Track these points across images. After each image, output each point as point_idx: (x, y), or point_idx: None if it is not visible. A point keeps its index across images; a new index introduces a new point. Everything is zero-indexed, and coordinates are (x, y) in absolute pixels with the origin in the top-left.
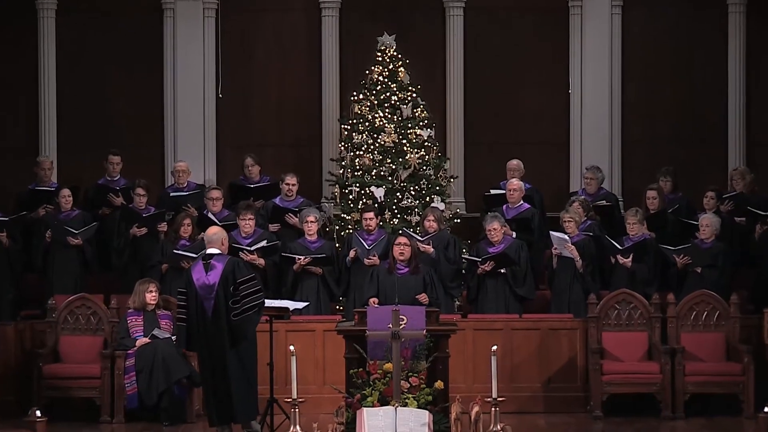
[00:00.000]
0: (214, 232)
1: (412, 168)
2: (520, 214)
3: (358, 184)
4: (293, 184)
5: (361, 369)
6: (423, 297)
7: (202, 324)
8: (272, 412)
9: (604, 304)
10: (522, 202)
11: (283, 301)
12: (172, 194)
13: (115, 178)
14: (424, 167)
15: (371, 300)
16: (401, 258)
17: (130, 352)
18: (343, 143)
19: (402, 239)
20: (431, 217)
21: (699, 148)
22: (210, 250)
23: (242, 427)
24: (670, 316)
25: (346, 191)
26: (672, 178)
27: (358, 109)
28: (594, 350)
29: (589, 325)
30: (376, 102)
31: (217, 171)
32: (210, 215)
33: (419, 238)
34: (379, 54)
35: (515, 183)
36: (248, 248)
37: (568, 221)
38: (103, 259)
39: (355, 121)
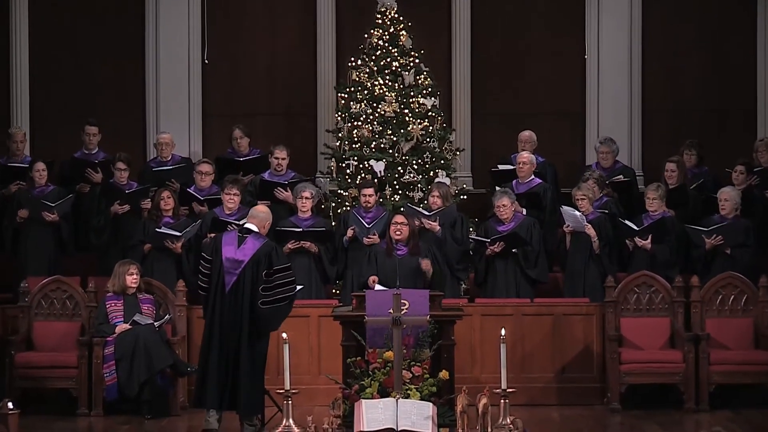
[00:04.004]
0: (262, 210)
1: (415, 140)
2: (530, 189)
3: (356, 158)
4: (283, 158)
5: (359, 358)
6: (425, 263)
7: (219, 298)
8: (263, 404)
9: (622, 288)
10: (533, 176)
11: None
12: (154, 168)
13: (93, 151)
14: (428, 139)
15: (371, 279)
16: (398, 237)
17: (109, 339)
18: (339, 113)
19: (399, 218)
20: (436, 193)
21: (725, 119)
22: (248, 225)
23: (242, 420)
24: (693, 300)
25: (343, 165)
26: (697, 150)
27: (356, 76)
28: (611, 337)
29: (607, 310)
30: (375, 68)
31: (203, 143)
32: (192, 191)
33: (425, 212)
34: (378, 16)
35: (525, 156)
36: (237, 223)
37: (582, 198)
38: (80, 238)
39: (352, 89)
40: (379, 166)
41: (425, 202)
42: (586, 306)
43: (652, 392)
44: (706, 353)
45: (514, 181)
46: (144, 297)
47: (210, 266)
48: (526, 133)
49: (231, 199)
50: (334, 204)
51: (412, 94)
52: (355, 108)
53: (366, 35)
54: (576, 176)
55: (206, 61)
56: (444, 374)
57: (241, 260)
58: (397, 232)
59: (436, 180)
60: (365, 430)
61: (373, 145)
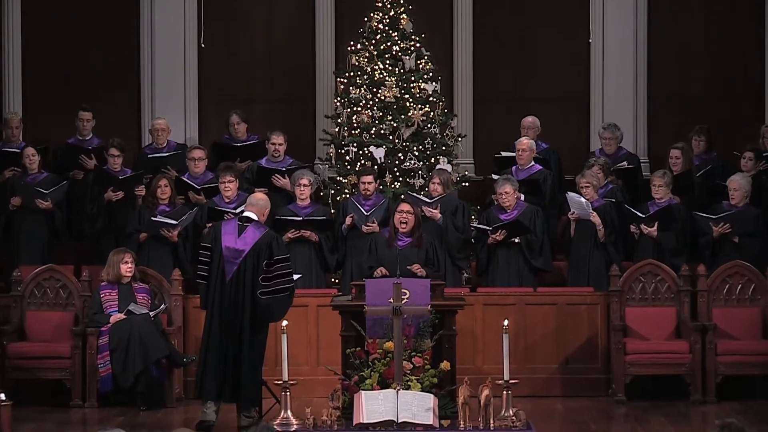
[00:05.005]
0: (261, 198)
1: (416, 126)
2: (530, 176)
3: (355, 144)
4: (280, 144)
5: (359, 348)
6: (416, 268)
7: (219, 288)
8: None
9: (627, 277)
10: (533, 163)
11: None
12: (149, 155)
13: (87, 137)
14: (429, 125)
15: (379, 271)
16: (403, 228)
17: (103, 329)
18: (339, 98)
19: (404, 206)
20: (437, 180)
21: (733, 105)
22: (247, 214)
23: (239, 412)
24: (700, 289)
25: (343, 151)
26: (706, 136)
27: (356, 60)
28: (616, 327)
29: (611, 299)
30: (375, 52)
31: (199, 129)
32: (187, 179)
33: (426, 200)
34: None
35: (525, 142)
36: (233, 212)
37: (586, 186)
38: (73, 226)
39: (352, 73)
40: (378, 153)
41: (426, 189)
42: (590, 295)
43: (658, 383)
44: (713, 343)
45: (513, 168)
46: (139, 286)
47: (210, 255)
48: (529, 119)
49: (227, 187)
50: (333, 191)
51: (412, 78)
52: (355, 93)
53: (366, 19)
54: (580, 163)
55: (203, 46)
56: (445, 365)
57: (242, 250)
58: (403, 223)
59: (437, 167)
60: (365, 422)
61: (372, 131)
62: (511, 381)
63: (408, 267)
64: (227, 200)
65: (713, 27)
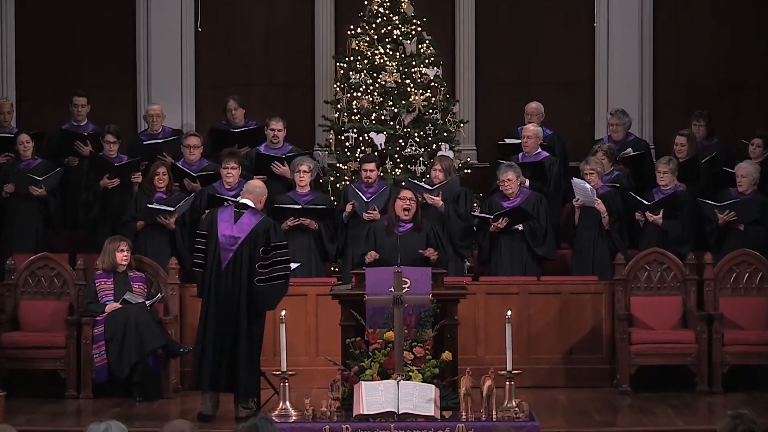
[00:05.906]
0: (257, 185)
1: (417, 111)
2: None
3: (355, 130)
4: (279, 130)
5: (358, 338)
6: (429, 251)
7: (215, 276)
8: (259, 386)
9: (632, 265)
10: (539, 150)
11: None
12: (145, 141)
13: (82, 123)
14: (430, 110)
15: (369, 254)
16: (406, 215)
17: (98, 318)
18: (338, 83)
19: (407, 193)
20: (438, 167)
21: (740, 91)
22: (244, 201)
23: (237, 403)
24: (706, 278)
25: (342, 138)
26: (706, 122)
27: (356, 44)
28: (621, 317)
29: (616, 288)
30: (375, 37)
31: (196, 115)
32: (182, 165)
33: (427, 187)
34: None
35: (530, 129)
36: (232, 199)
37: (590, 173)
38: (68, 214)
39: (352, 58)
40: (379, 139)
41: (427, 176)
42: (595, 284)
43: (664, 374)
44: (719, 333)
45: (519, 155)
46: (135, 275)
47: (206, 241)
48: (533, 105)
49: (229, 173)
50: (332, 178)
51: (413, 63)
52: (355, 78)
53: (366, 2)
54: (585, 149)
55: (199, 30)
56: (447, 355)
57: (238, 237)
58: (406, 210)
59: (439, 153)
60: (365, 413)
61: (373, 117)
62: (513, 371)
63: (420, 251)
64: (228, 186)
65: (719, 14)
